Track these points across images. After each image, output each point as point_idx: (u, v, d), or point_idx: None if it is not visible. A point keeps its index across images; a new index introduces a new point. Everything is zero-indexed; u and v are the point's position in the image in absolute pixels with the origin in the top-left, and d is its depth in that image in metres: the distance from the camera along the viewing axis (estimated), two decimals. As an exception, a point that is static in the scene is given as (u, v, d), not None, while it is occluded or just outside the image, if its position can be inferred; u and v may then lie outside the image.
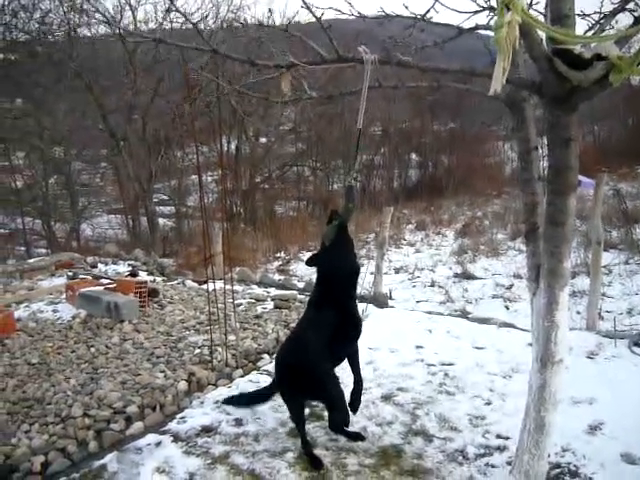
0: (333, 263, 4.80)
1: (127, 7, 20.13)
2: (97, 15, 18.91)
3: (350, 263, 4.92)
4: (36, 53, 19.08)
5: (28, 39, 19.19)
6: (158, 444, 4.94)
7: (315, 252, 5.09)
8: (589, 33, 3.81)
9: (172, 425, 5.30)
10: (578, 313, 8.58)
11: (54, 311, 9.07)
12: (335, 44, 3.33)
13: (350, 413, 4.84)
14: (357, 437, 4.93)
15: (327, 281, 4.87)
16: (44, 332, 7.99)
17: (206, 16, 20.35)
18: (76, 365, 6.74)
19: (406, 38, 4.51)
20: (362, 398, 5.22)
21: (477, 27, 4.24)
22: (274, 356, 6.82)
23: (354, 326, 4.94)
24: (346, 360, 5.05)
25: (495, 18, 2.62)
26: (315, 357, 4.63)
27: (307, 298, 9.11)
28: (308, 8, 3.33)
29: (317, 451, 4.71)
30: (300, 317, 5.43)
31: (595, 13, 4.04)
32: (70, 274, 11.34)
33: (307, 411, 5.35)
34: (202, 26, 19.06)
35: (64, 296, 9.59)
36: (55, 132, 20.39)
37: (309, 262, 4.97)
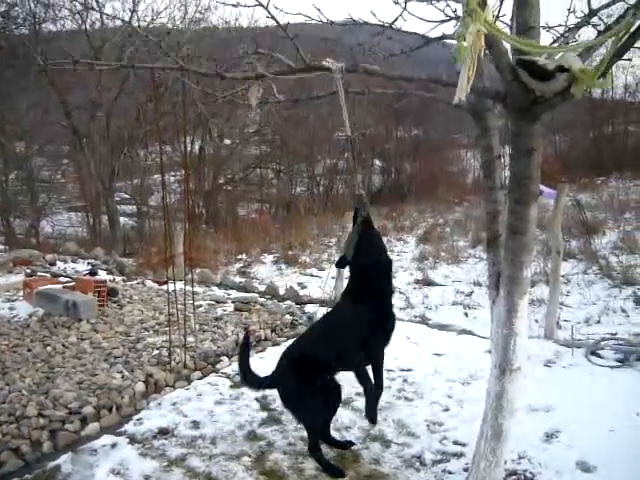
0: (367, 257, 4.64)
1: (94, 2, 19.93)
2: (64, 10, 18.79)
3: (384, 255, 4.80)
4: (0, 47, 18.79)
5: (-8, 32, 18.91)
6: (114, 445, 4.90)
7: (342, 255, 4.83)
8: (554, 45, 3.86)
9: (128, 426, 5.26)
10: (536, 321, 8.65)
11: (11, 308, 8.94)
12: (302, 53, 3.33)
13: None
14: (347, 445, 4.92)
15: (363, 276, 4.71)
16: (0, 330, 7.86)
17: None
18: (32, 364, 6.64)
19: (374, 46, 4.52)
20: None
21: (444, 36, 4.28)
22: (233, 359, 6.82)
23: (388, 322, 4.75)
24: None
25: (459, 27, 2.64)
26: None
27: (267, 301, 9.16)
28: (274, 19, 3.33)
29: (275, 455, 4.71)
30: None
31: (560, 26, 4.10)
32: (28, 271, 11.19)
33: (264, 415, 5.35)
34: (170, 25, 19.01)
35: (21, 293, 9.46)
36: (17, 127, 20.13)
37: (341, 264, 4.82)
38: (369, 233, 4.68)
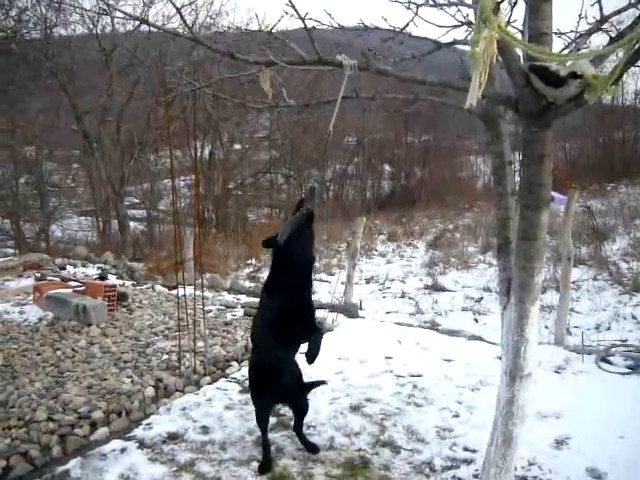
0: (292, 249, 4.63)
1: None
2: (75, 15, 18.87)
3: (308, 252, 4.78)
4: (11, 51, 18.88)
5: (3, 37, 18.97)
6: (123, 450, 4.90)
7: (272, 235, 4.84)
8: (565, 51, 3.85)
9: (138, 431, 5.25)
10: (546, 327, 8.64)
11: (20, 312, 8.95)
12: (316, 46, 3.32)
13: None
14: (313, 449, 4.90)
15: (283, 267, 4.73)
16: (10, 334, 7.88)
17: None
18: (41, 368, 6.65)
19: (385, 51, 4.52)
20: (330, 408, 5.25)
21: (455, 42, 4.27)
22: (243, 364, 6.81)
23: (307, 315, 4.72)
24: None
25: (472, 33, 2.64)
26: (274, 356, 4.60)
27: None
28: (293, 6, 3.32)
29: (284, 460, 4.70)
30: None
31: (571, 32, 4.08)
32: (38, 275, 11.22)
33: (274, 420, 5.33)
34: (180, 30, 19.02)
35: (31, 297, 9.48)
36: (27, 131, 20.20)
37: (268, 244, 4.80)
38: (306, 228, 4.70)
